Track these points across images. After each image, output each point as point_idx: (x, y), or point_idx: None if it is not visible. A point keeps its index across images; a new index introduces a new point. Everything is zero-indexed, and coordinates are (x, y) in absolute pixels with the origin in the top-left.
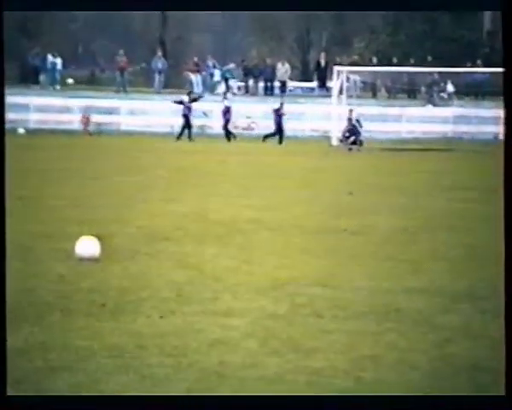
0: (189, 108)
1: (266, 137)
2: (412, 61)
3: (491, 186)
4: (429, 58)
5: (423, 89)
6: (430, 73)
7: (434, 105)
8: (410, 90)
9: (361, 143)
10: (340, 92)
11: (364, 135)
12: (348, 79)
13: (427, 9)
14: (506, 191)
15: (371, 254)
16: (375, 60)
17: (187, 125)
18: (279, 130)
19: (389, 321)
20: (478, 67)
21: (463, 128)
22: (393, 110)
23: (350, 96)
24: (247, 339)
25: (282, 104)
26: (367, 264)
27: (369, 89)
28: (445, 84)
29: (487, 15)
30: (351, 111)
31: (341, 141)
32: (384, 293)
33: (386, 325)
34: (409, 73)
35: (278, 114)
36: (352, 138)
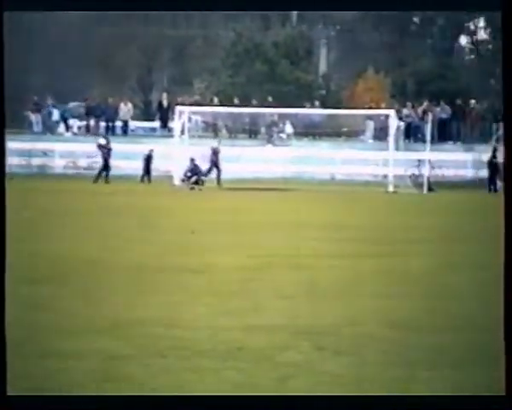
0: (108, 151)
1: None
2: (254, 101)
3: (329, 224)
4: (270, 99)
5: (263, 129)
6: (270, 114)
7: (274, 145)
8: (251, 131)
9: (202, 183)
10: (182, 132)
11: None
12: (190, 119)
13: (427, 9)
14: (506, 195)
15: (213, 293)
16: (216, 100)
17: (105, 167)
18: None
19: (231, 359)
20: (315, 108)
21: (302, 168)
22: (234, 150)
23: (192, 136)
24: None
25: (219, 142)
26: (209, 302)
27: (211, 129)
28: (284, 124)
29: (323, 59)
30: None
31: (183, 180)
32: (226, 331)
33: (228, 362)
34: (250, 114)
35: (215, 153)
36: (194, 178)
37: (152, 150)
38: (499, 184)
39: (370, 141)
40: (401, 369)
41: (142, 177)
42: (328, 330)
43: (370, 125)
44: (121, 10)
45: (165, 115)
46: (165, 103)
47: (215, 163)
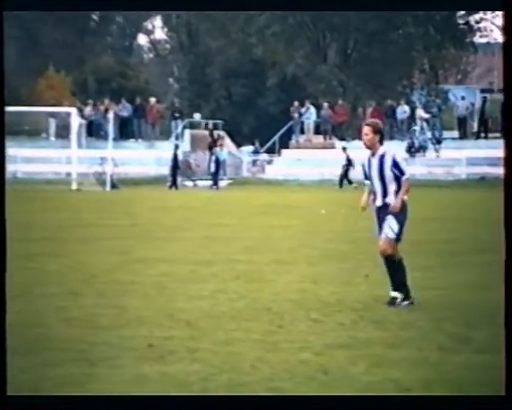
0: None
1: None
2: None
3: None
4: None
5: None
6: None
7: None
8: None
9: None
10: None
11: None
12: None
13: (429, 9)
14: (506, 193)
15: None
16: None
17: None
18: None
19: None
20: None
21: None
22: None
23: None
24: None
25: None
26: None
27: None
28: None
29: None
30: None
31: None
32: None
33: None
34: None
35: None
36: None
37: None
38: (180, 179)
39: (53, 139)
40: (80, 365)
41: None
42: (11, 332)
43: (52, 123)
44: (121, 10)
45: None
46: None
47: None
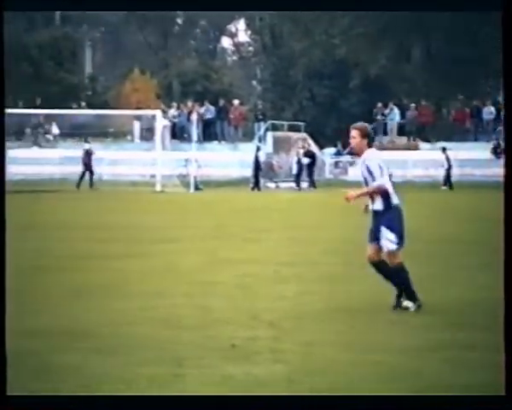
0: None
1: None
2: (21, 103)
3: (97, 224)
4: (38, 101)
5: (28, 130)
6: (35, 115)
7: (40, 147)
8: (16, 132)
9: None
10: None
11: None
12: None
13: (429, 10)
14: (506, 193)
15: None
16: None
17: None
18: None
19: None
20: (81, 109)
21: (70, 169)
22: None
23: None
24: None
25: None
26: None
27: None
28: (50, 125)
29: (88, 60)
30: None
31: None
32: None
33: None
34: (16, 115)
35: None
36: None
37: None
38: (262, 180)
39: (138, 141)
40: (166, 365)
41: None
42: (100, 332)
43: (137, 125)
44: (121, 10)
45: None
46: None
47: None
